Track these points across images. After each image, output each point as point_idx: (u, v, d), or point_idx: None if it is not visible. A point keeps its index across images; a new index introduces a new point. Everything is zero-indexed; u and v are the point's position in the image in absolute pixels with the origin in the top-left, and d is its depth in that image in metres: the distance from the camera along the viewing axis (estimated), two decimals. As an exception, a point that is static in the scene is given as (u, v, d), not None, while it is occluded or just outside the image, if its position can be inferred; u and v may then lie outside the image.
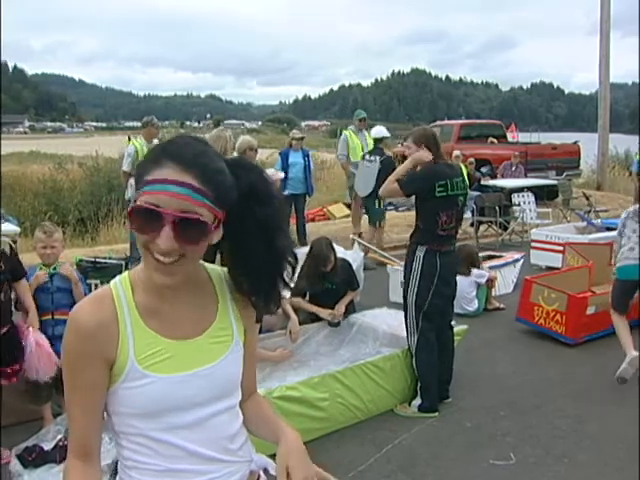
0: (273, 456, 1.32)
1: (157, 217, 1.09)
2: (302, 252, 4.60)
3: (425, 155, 3.86)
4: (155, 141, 7.65)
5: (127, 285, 1.21)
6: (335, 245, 4.77)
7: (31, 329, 3.62)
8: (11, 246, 3.65)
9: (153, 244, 1.11)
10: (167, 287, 1.17)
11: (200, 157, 1.13)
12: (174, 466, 1.21)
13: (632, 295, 4.55)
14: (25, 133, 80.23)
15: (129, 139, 8.62)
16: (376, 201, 8.10)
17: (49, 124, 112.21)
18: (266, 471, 1.38)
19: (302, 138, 8.77)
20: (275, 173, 7.18)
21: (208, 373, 1.22)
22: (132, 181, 7.35)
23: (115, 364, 1.17)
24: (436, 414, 3.96)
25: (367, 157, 8.29)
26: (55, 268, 3.92)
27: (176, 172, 1.10)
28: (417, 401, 4.00)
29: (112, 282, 1.23)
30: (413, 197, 4.03)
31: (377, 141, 8.57)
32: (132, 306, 1.19)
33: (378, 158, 7.93)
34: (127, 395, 1.17)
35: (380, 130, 8.79)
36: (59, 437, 3.25)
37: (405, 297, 3.97)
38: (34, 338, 3.57)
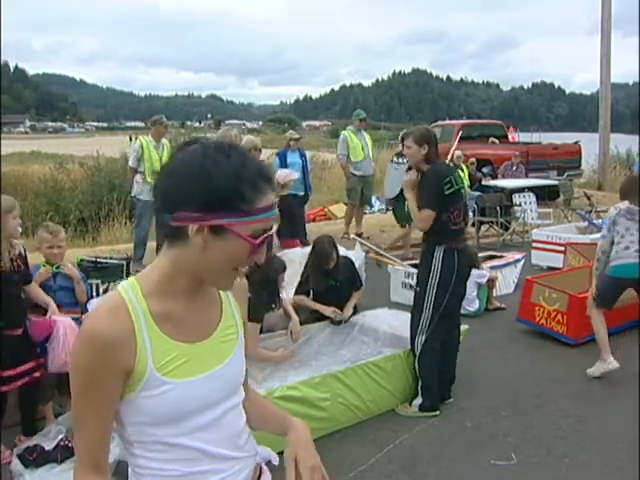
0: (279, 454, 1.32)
1: (268, 241, 1.20)
2: (304, 252, 4.61)
3: (412, 178, 3.93)
4: (163, 140, 7.65)
5: (138, 291, 1.18)
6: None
7: (55, 317, 3.61)
8: (25, 249, 3.64)
9: (247, 262, 1.19)
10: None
11: None
12: (191, 469, 1.21)
13: (621, 293, 4.55)
14: (26, 133, 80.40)
15: (130, 139, 8.65)
16: (405, 203, 8.19)
17: (50, 124, 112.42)
18: (269, 463, 1.40)
19: (299, 138, 8.78)
20: (289, 174, 7.19)
21: (220, 373, 1.23)
22: (138, 177, 7.44)
23: (132, 373, 1.14)
24: (437, 413, 3.97)
25: (394, 159, 8.52)
26: (59, 267, 3.92)
27: (271, 195, 1.18)
28: (418, 400, 4.00)
29: (121, 289, 1.18)
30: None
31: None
32: (147, 313, 1.17)
33: (406, 161, 8.03)
34: (146, 404, 1.15)
35: None
36: (60, 437, 3.24)
37: (421, 297, 3.93)
38: (67, 323, 3.56)
